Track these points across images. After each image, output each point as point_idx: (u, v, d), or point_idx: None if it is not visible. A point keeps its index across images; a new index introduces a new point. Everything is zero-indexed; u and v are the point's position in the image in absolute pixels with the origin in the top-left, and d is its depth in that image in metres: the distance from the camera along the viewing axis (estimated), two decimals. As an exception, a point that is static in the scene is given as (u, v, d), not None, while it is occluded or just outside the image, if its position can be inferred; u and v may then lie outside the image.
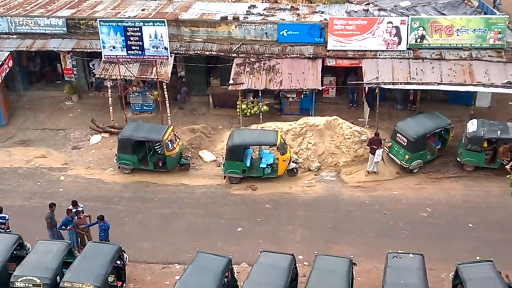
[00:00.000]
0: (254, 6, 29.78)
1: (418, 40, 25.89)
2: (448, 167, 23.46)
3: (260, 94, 26.11)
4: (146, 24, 25.75)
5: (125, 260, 17.80)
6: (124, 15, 28.46)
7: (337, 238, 19.89)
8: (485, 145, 22.67)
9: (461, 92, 25.19)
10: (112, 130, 26.26)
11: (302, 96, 26.96)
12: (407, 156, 22.76)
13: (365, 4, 29.32)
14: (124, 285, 17.88)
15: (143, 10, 29.42)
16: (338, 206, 21.61)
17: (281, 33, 26.90)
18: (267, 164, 22.92)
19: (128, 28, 25.75)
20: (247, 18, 27.80)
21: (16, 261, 17.00)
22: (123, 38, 25.85)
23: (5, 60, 26.96)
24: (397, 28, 25.85)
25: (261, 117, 26.11)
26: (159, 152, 23.49)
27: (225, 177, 23.04)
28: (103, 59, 26.65)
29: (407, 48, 26.00)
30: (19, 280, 15.93)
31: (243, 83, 25.78)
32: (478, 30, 25.52)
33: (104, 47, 26.11)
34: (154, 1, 31.40)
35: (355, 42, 26.22)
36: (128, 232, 20.32)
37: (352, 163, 23.70)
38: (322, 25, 26.63)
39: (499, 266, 16.16)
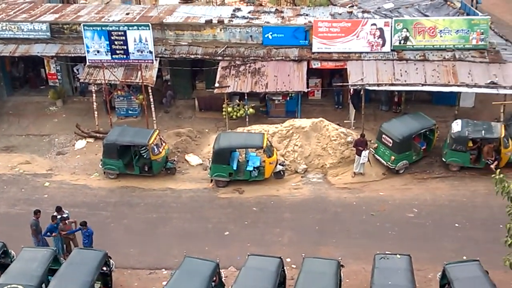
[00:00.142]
0: (238, 9, 29.80)
1: (402, 41, 26.04)
2: (434, 167, 23.59)
3: (246, 97, 26.11)
4: (130, 28, 25.72)
5: (111, 266, 17.65)
6: (108, 19, 28.34)
7: (325, 240, 19.88)
8: (470, 145, 22.83)
9: (445, 93, 25.37)
10: (97, 135, 26.08)
11: (288, 98, 27.01)
12: (393, 157, 22.85)
13: (349, 7, 29.46)
14: (111, 291, 17.77)
15: (127, 14, 29.31)
16: (325, 208, 21.63)
17: (266, 36, 26.92)
18: (254, 167, 22.89)
19: (112, 32, 25.72)
20: (232, 21, 27.81)
21: (0, 269, 16.81)
22: (108, 42, 25.81)
23: (-12, 65, 26.80)
24: (381, 30, 25.98)
25: (247, 120, 26.10)
26: (144, 156, 23.37)
27: (211, 180, 22.99)
28: (88, 63, 26.58)
29: (391, 50, 26.15)
30: (4, 288, 15.76)
31: (228, 86, 25.77)
32: (461, 31, 25.72)
33: (88, 51, 26.03)
34: (138, 5, 31.33)
35: (339, 44, 26.32)
36: (114, 237, 20.16)
37: (339, 164, 23.74)
38: (306, 27, 26.69)
39: (486, 265, 16.23)
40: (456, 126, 23.05)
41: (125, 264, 18.84)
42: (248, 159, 23.34)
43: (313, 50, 26.53)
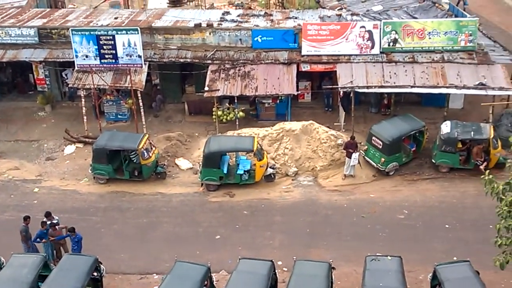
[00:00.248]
0: (227, 13, 29.80)
1: (391, 43, 26.13)
2: (424, 168, 23.66)
3: (235, 101, 26.08)
4: (119, 32, 25.62)
5: (102, 271, 17.56)
6: (97, 24, 28.25)
7: (316, 243, 19.89)
8: (459, 146, 22.93)
9: (434, 94, 25.43)
10: (87, 140, 25.96)
11: (278, 101, 27.00)
12: (383, 159, 22.90)
13: (338, 9, 29.50)
14: (101, 296, 17.67)
15: (116, 18, 29.23)
16: (316, 211, 21.64)
17: (255, 39, 26.93)
18: (244, 171, 22.87)
19: (101, 37, 25.61)
20: (221, 24, 27.78)
21: (-10, 276, 16.68)
22: (96, 47, 25.71)
23: (-25, 71, 26.63)
24: (370, 32, 26.05)
25: (237, 123, 26.07)
26: (134, 161, 23.28)
27: (202, 184, 22.93)
28: (76, 68, 26.45)
29: (380, 52, 26.23)
30: (-7, 295, 15.65)
31: (218, 90, 25.74)
32: (449, 33, 25.86)
33: (77, 56, 25.92)
34: (127, 9, 31.23)
35: (329, 47, 26.37)
36: (105, 243, 20.07)
37: (329, 167, 23.76)
38: (296, 30, 26.73)
39: (476, 266, 16.28)
40: (446, 127, 23.14)
41: (115, 269, 18.75)
42: (239, 162, 23.32)
43: (303, 53, 26.56)
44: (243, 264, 16.74)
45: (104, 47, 25.73)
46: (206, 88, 25.78)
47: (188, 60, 26.96)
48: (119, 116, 27.73)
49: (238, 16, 29.17)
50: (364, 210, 21.48)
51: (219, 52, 27.08)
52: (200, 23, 27.49)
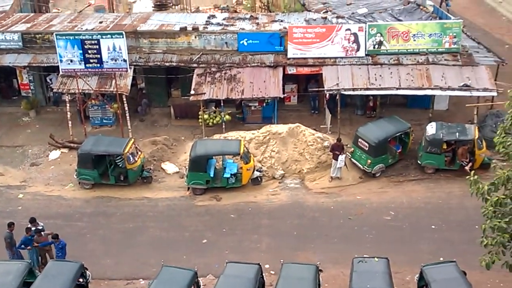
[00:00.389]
0: (213, 16, 29.78)
1: (376, 46, 26.23)
2: (409, 170, 23.73)
3: (222, 104, 26.04)
4: (104, 36, 25.44)
5: (88, 277, 17.42)
6: (82, 28, 28.13)
7: (303, 245, 19.87)
8: (444, 147, 23.03)
9: (420, 96, 25.58)
10: (72, 145, 25.80)
11: (264, 104, 27.01)
12: (369, 161, 22.95)
13: (324, 12, 29.58)
14: (87, 302, 17.51)
15: (100, 22, 29.10)
16: (303, 213, 21.62)
17: (241, 42, 26.92)
18: (231, 174, 22.82)
19: (85, 41, 25.40)
20: (207, 28, 27.77)
21: (-26, 283, 16.49)
22: (81, 51, 25.48)
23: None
24: (355, 35, 26.14)
25: (223, 126, 26.02)
26: (120, 165, 23.16)
27: (188, 188, 22.84)
28: (61, 73, 26.25)
29: (366, 54, 26.33)
30: (-23, 303, 15.46)
31: (204, 93, 25.70)
32: (434, 35, 26.00)
33: (61, 61, 25.70)
34: (112, 13, 31.12)
35: (314, 49, 26.42)
36: (91, 248, 19.91)
37: (316, 169, 23.77)
38: (281, 33, 26.76)
39: (462, 266, 16.34)
40: (431, 128, 23.24)
41: (101, 275, 18.59)
42: (225, 166, 23.26)
43: (289, 56, 26.60)
44: (230, 268, 16.69)
45: (89, 51, 25.53)
46: (192, 92, 25.73)
47: (174, 63, 26.89)
48: (104, 121, 27.58)
49: (224, 19, 29.16)
50: (351, 212, 21.50)
51: (205, 56, 27.04)
52: (186, 27, 27.44)
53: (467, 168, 22.03)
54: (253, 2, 36.65)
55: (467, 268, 16.40)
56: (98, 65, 25.68)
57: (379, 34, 26.06)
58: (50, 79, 29.18)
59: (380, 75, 25.56)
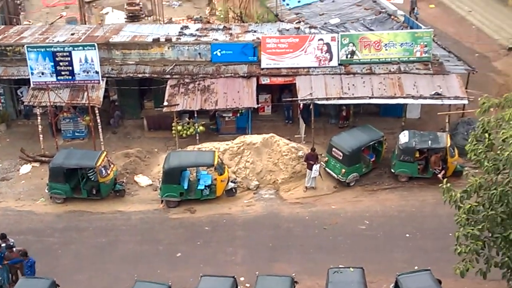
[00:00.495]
0: (186, 27, 29.64)
1: (349, 55, 26.38)
2: (383, 178, 23.84)
3: (195, 115, 25.90)
4: (75, 48, 25.32)
5: (59, 293, 17.12)
6: (53, 40, 27.74)
7: (278, 257, 19.80)
8: (417, 155, 23.19)
9: (392, 105, 25.78)
10: (43, 158, 25.42)
11: (238, 115, 26.93)
12: (343, 170, 22.99)
13: (296, 23, 29.65)
14: (59, 320, 17.18)
15: (72, 34, 28.75)
16: (278, 224, 21.56)
17: (214, 53, 26.87)
18: (205, 186, 22.67)
19: (57, 53, 25.28)
20: (180, 39, 27.61)
21: None
22: (52, 63, 25.33)
23: None
24: (328, 44, 26.26)
25: (197, 138, 25.87)
26: (92, 179, 22.90)
27: (162, 201, 22.63)
28: (32, 86, 25.90)
29: (339, 64, 26.45)
30: None
31: (178, 104, 25.56)
32: (405, 44, 26.24)
33: (32, 73, 25.46)
34: (84, 25, 30.84)
35: (288, 59, 26.48)
36: (63, 264, 19.61)
37: (290, 179, 23.73)
38: (255, 44, 26.77)
39: (437, 274, 16.43)
40: (404, 137, 23.39)
41: (74, 291, 18.31)
42: (199, 177, 23.11)
43: (262, 66, 26.60)
44: (205, 281, 16.58)
45: (61, 63, 25.35)
46: (165, 103, 25.57)
47: (147, 75, 26.72)
48: (76, 134, 27.22)
49: (197, 30, 29.05)
50: (326, 221, 21.49)
51: (178, 67, 26.92)
52: (159, 38, 27.29)
53: (440, 176, 22.18)
54: (226, 12, 36.59)
55: (441, 276, 16.50)
56: (70, 77, 25.51)
57: (351, 44, 26.22)
58: (21, 92, 28.70)
59: (353, 85, 25.69)
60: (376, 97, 25.25)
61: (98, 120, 25.85)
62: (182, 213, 22.20)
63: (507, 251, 13.75)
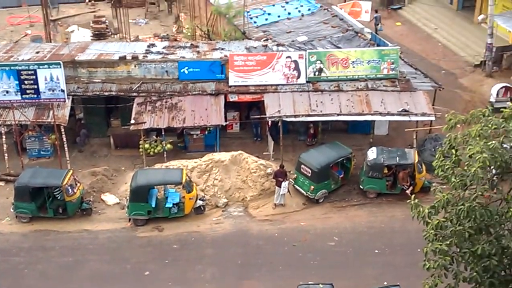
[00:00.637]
0: (153, 45, 29.49)
1: (317, 73, 26.58)
2: (352, 195, 23.95)
3: (163, 133, 25.71)
4: (41, 66, 25.14)
5: (23, 316, 16.69)
6: (18, 59, 27.31)
7: (248, 274, 19.69)
8: (386, 171, 23.39)
9: (360, 122, 25.97)
10: (8, 178, 24.94)
11: (206, 132, 26.78)
12: (312, 187, 23.04)
13: (264, 40, 29.82)
14: None
15: (37, 52, 28.35)
16: (247, 241, 21.45)
17: (182, 70, 26.80)
18: (173, 204, 22.47)
19: (22, 72, 25.09)
20: (147, 57, 27.48)
21: None
22: (17, 82, 25.11)
23: None
24: (295, 62, 26.45)
25: (165, 155, 25.64)
26: (58, 198, 22.52)
27: (129, 219, 22.33)
28: (-4, 104, 25.47)
29: (307, 81, 26.62)
30: None
31: (145, 122, 25.35)
32: (372, 62, 26.58)
33: (-4, 92, 25.02)
34: (49, 43, 30.49)
35: (256, 77, 26.56)
36: (28, 285, 19.26)
37: (259, 196, 23.68)
38: (222, 61, 26.80)
39: (406, 290, 16.51)
40: (372, 153, 23.58)
41: (39, 313, 17.89)
42: (167, 195, 22.90)
43: (230, 84, 26.62)
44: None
45: (26, 82, 25.11)
46: (132, 121, 25.35)
47: (113, 93, 26.48)
48: (42, 152, 26.73)
49: (164, 48, 28.93)
50: (295, 238, 21.46)
51: (145, 85, 26.74)
52: (125, 56, 27.10)
53: (408, 192, 22.39)
54: (194, 30, 36.59)
55: (410, 290, 16.56)
56: (35, 95, 25.29)
57: (319, 61, 26.45)
58: (-15, 111, 28.16)
59: (321, 102, 25.86)
60: (344, 114, 25.43)
61: (64, 139, 25.46)
62: (150, 232, 21.93)
63: (475, 266, 13.81)
